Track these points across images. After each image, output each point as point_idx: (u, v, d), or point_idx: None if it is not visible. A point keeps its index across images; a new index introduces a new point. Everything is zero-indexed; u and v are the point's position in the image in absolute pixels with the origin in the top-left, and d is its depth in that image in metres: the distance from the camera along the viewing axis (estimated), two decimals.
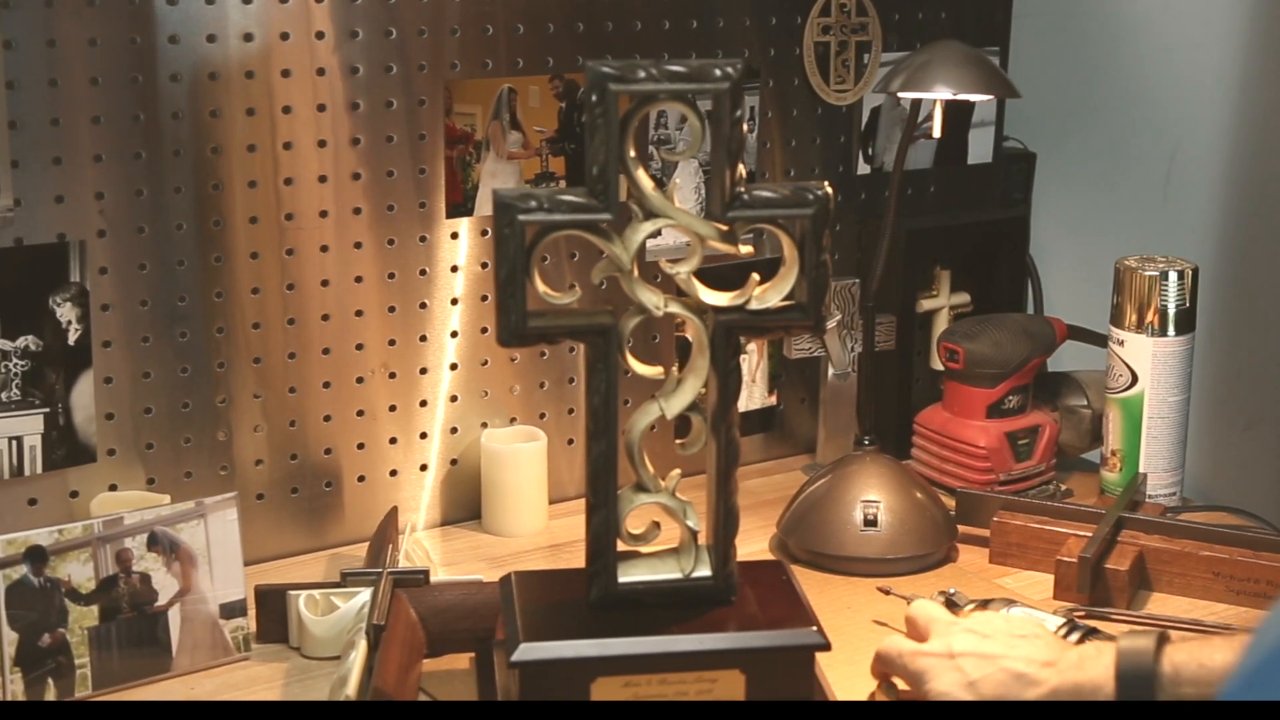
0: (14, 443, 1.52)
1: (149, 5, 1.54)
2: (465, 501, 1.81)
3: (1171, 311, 1.78)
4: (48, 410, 1.54)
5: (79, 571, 1.38)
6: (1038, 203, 2.17)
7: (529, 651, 1.29)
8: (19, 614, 1.35)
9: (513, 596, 1.37)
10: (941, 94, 1.71)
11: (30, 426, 1.53)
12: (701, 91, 1.28)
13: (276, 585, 1.51)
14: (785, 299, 1.33)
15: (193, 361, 1.62)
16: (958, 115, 2.02)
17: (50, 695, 1.37)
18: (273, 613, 1.50)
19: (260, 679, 1.45)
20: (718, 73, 1.28)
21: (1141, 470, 1.81)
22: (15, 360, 1.51)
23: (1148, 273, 1.78)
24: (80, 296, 1.54)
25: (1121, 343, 1.81)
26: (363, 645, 1.36)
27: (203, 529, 1.44)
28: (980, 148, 2.10)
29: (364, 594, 1.47)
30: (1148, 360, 1.79)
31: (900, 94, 1.76)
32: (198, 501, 1.45)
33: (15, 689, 1.36)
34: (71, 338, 1.54)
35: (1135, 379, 1.80)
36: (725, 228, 1.31)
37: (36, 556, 1.36)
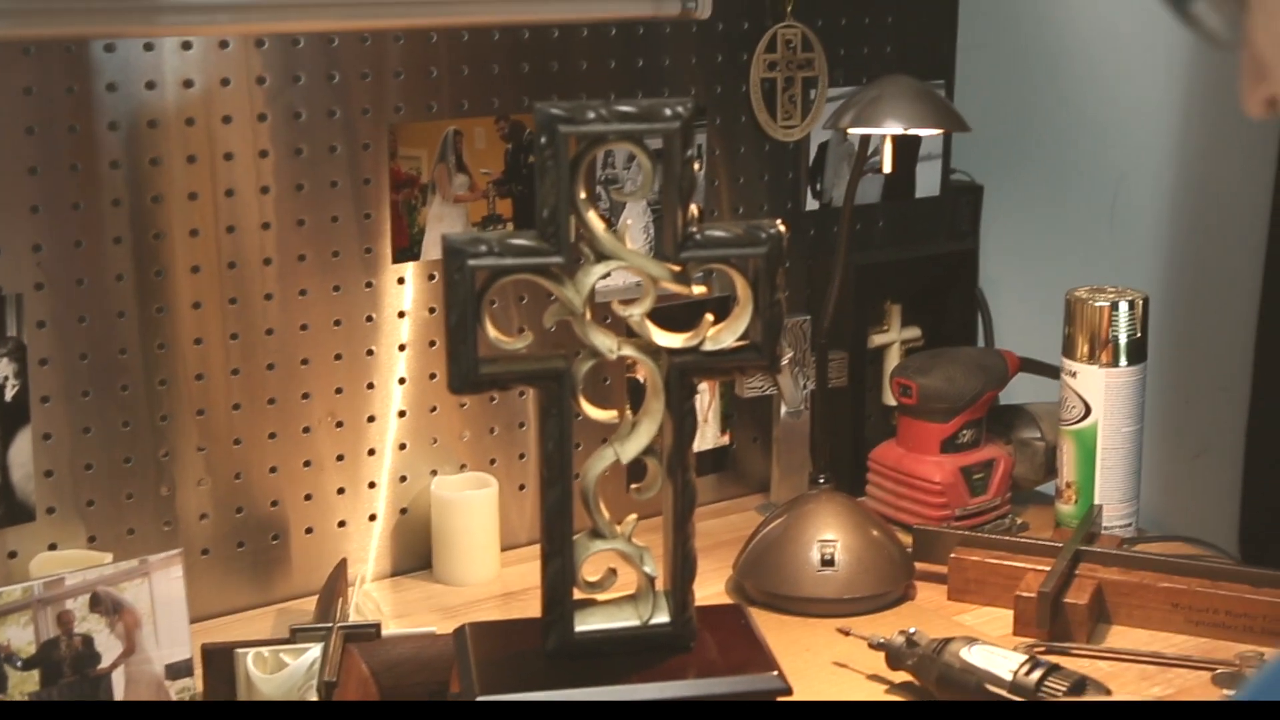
0: None
1: (86, 52, 1.51)
2: (416, 551, 1.78)
3: (1123, 342, 1.78)
4: None
5: (18, 635, 1.34)
6: (986, 235, 2.17)
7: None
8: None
9: (468, 648, 1.35)
10: (892, 129, 1.70)
11: None
12: (652, 131, 1.27)
13: (223, 643, 1.47)
14: (740, 339, 1.32)
15: (134, 415, 1.59)
16: (905, 149, 2.01)
17: None
18: (220, 672, 1.46)
19: None
20: (668, 112, 1.27)
21: (1097, 502, 1.80)
22: None
23: (1098, 304, 1.77)
24: (18, 351, 1.50)
25: (1074, 374, 1.80)
26: None
27: (147, 588, 1.41)
28: (928, 181, 2.10)
29: (314, 650, 1.44)
30: (1100, 391, 1.78)
31: (851, 130, 1.75)
32: (141, 560, 1.41)
33: None
34: (9, 394, 1.51)
35: (1089, 410, 1.79)
36: (678, 268, 1.29)
37: None
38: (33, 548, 1.54)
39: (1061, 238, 2.15)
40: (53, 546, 1.56)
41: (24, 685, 1.35)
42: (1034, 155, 2.17)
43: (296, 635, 1.46)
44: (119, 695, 1.39)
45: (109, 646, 1.39)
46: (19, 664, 1.34)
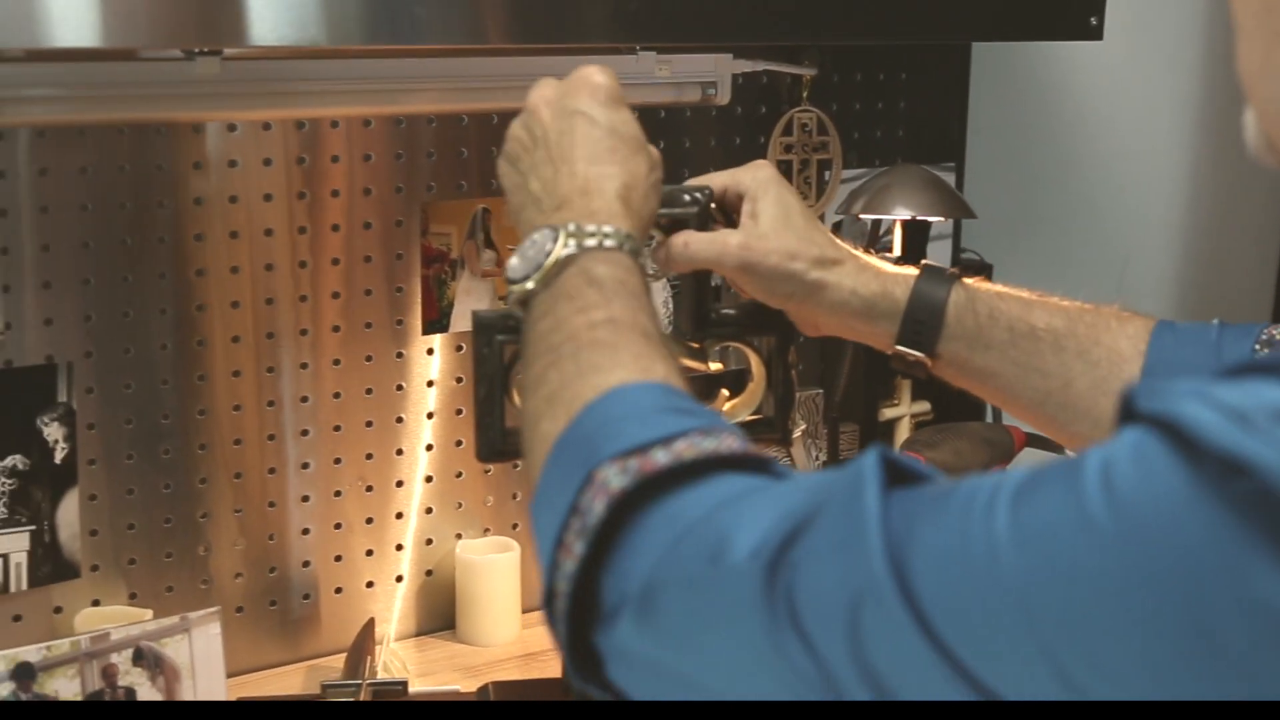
0: (0, 560, 1.55)
1: (138, 135, 1.59)
2: (440, 611, 1.84)
3: None
4: (34, 528, 1.57)
5: (65, 688, 1.41)
6: None
7: None
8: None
9: None
10: (901, 215, 1.77)
11: (16, 544, 1.56)
12: (672, 215, 1.33)
13: (258, 699, 1.53)
14: (754, 414, 1.38)
15: (175, 478, 1.66)
16: (916, 230, 2.08)
17: None
18: None
19: None
20: (687, 197, 1.33)
21: None
22: (3, 479, 1.54)
23: None
24: (67, 416, 1.58)
25: (1074, 451, 1.86)
26: None
27: (187, 644, 1.47)
28: (938, 260, 2.17)
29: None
30: None
31: (862, 215, 1.82)
32: (182, 616, 1.48)
33: None
34: (58, 456, 1.58)
35: None
36: (696, 346, 1.36)
37: (24, 674, 1.39)
38: (77, 603, 1.61)
39: None
40: (96, 602, 1.62)
41: None
42: (1041, 235, 2.24)
43: (327, 691, 1.53)
44: None
45: (150, 699, 1.45)
46: None
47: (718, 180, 1.22)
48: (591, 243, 0.91)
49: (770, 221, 1.16)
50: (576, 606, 0.74)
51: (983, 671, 0.59)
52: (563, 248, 0.91)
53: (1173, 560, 0.55)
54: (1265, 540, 0.53)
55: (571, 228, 0.92)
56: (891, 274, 1.17)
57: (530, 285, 0.91)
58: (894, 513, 0.64)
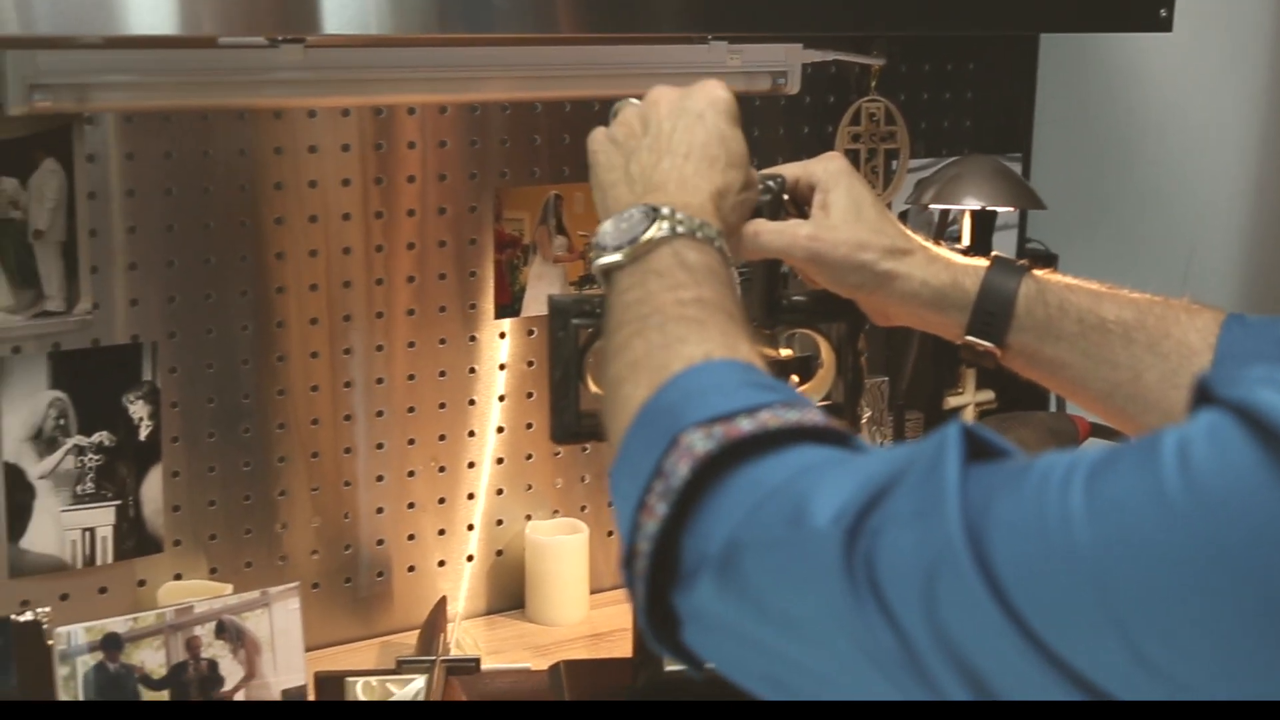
0: (87, 534, 1.60)
1: (220, 120, 1.63)
2: (509, 591, 1.88)
3: None
4: (119, 503, 1.61)
5: (151, 658, 1.45)
6: None
7: None
8: (95, 699, 1.42)
9: (563, 684, 1.44)
10: (971, 205, 1.79)
11: (102, 518, 1.61)
12: None
13: (335, 672, 1.57)
14: (823, 400, 1.40)
15: (254, 456, 1.70)
16: (982, 220, 2.09)
17: None
18: (332, 698, 1.56)
19: None
20: (759, 186, 1.36)
21: None
22: (90, 455, 1.59)
23: None
24: (151, 394, 1.62)
25: None
26: None
27: (267, 618, 1.51)
28: (1004, 250, 2.18)
29: (418, 681, 1.53)
30: None
31: (932, 205, 1.84)
32: (263, 591, 1.52)
33: None
34: (143, 434, 1.62)
35: None
36: (768, 333, 1.38)
37: (112, 644, 1.43)
38: (160, 577, 1.65)
39: None
40: (178, 576, 1.67)
41: None
42: (1107, 226, 2.24)
43: (402, 667, 1.56)
44: None
45: (232, 671, 1.49)
46: (152, 684, 1.45)
47: (790, 170, 1.24)
48: (684, 229, 0.94)
49: (841, 212, 1.18)
50: (656, 567, 0.76)
51: (1054, 641, 0.61)
52: (658, 229, 0.93)
53: (1245, 538, 0.56)
54: None
55: (666, 211, 0.94)
56: (961, 265, 1.18)
57: (619, 258, 0.93)
58: (972, 484, 0.65)
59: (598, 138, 1.08)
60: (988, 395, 2.15)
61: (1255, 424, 0.58)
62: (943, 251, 1.19)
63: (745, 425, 0.76)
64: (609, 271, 0.94)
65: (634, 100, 1.09)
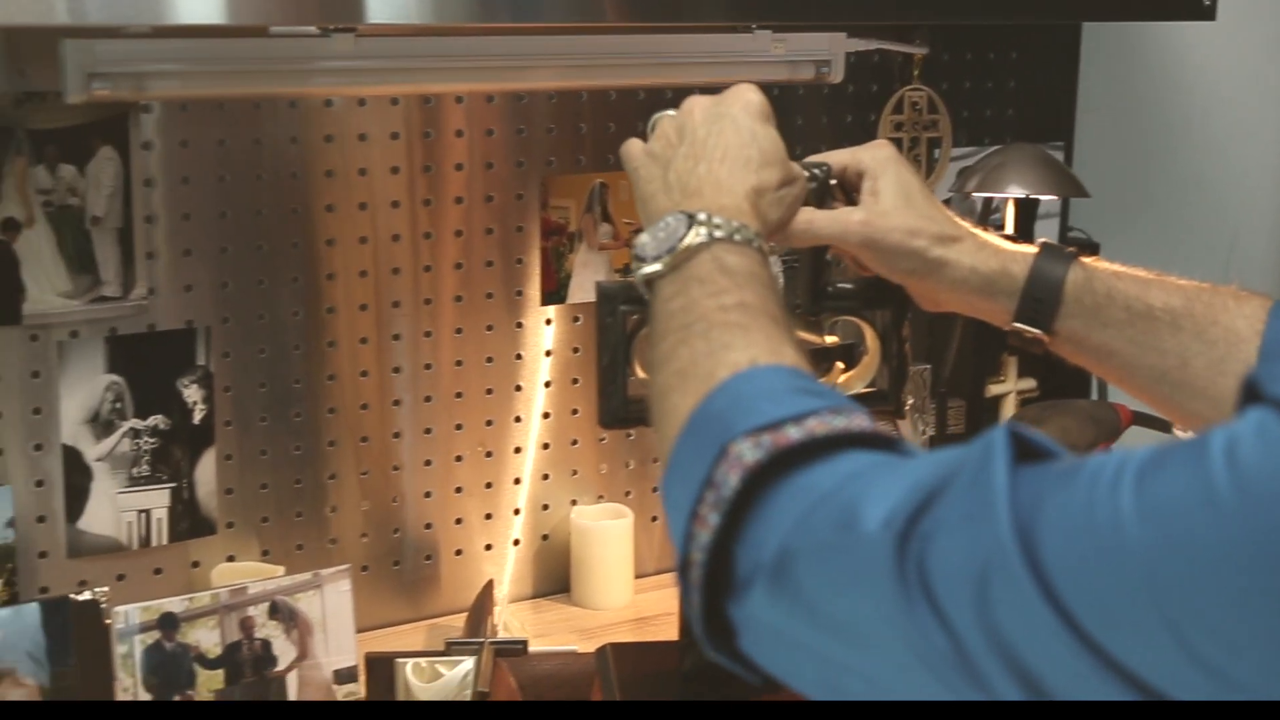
0: (143, 515, 1.63)
1: (272, 109, 1.65)
2: (555, 575, 1.90)
3: None
4: (174, 485, 1.64)
5: (206, 637, 1.48)
6: None
7: None
8: (152, 677, 1.45)
9: (609, 667, 1.45)
10: (1015, 194, 1.80)
11: (158, 500, 1.63)
12: None
13: (385, 653, 1.59)
14: (868, 386, 1.42)
15: (305, 440, 1.73)
16: (1024, 209, 2.10)
17: None
18: (381, 679, 1.58)
19: None
20: (806, 174, 1.37)
21: None
22: (146, 438, 1.62)
23: None
24: (205, 379, 1.65)
25: (1185, 430, 1.87)
26: None
27: (319, 599, 1.54)
28: (1046, 238, 2.18)
29: (467, 662, 1.55)
30: None
31: (976, 193, 1.85)
32: (314, 573, 1.54)
33: None
34: (196, 417, 1.65)
35: None
36: (812, 319, 1.40)
37: (168, 623, 1.46)
38: (213, 559, 1.68)
39: None
40: (230, 558, 1.69)
41: (211, 683, 1.48)
42: (1149, 215, 2.25)
43: (451, 648, 1.58)
44: (292, 696, 1.52)
45: (285, 651, 1.52)
46: (207, 663, 1.48)
47: (837, 158, 1.25)
48: (721, 233, 0.95)
49: (891, 199, 1.19)
50: (711, 577, 0.77)
51: (1107, 641, 0.61)
52: (695, 235, 0.95)
53: None
54: None
55: (703, 216, 0.96)
56: (1010, 251, 1.19)
57: (659, 267, 0.95)
58: (1022, 486, 0.66)
59: (635, 154, 1.10)
60: (1029, 383, 2.16)
61: None
62: (991, 238, 1.20)
63: (793, 433, 0.77)
64: (651, 281, 0.96)
65: (670, 112, 1.12)
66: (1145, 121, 2.24)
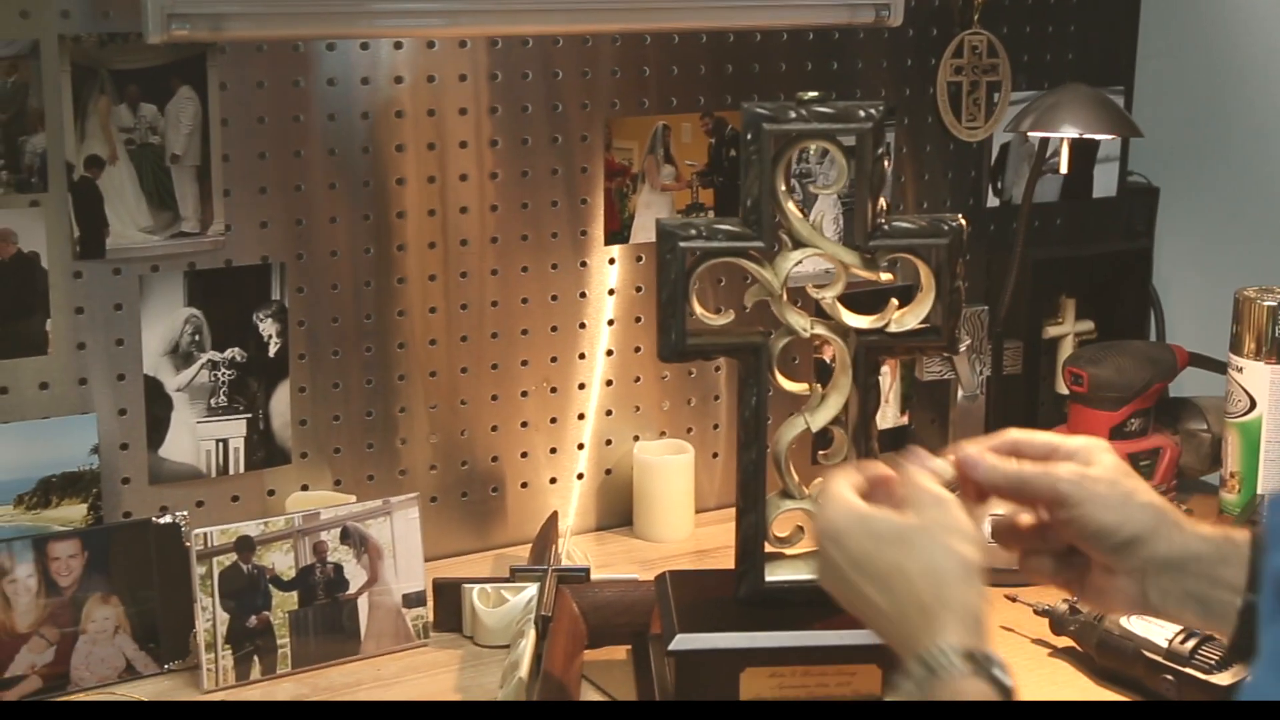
0: (220, 445, 1.69)
1: (343, 50, 1.69)
2: (618, 509, 1.95)
3: None
4: (250, 416, 1.70)
5: (281, 560, 1.54)
6: (1160, 235, 2.26)
7: (685, 642, 1.41)
8: (229, 597, 1.51)
9: (668, 593, 1.49)
10: (1068, 133, 1.81)
11: (234, 430, 1.69)
12: (846, 130, 1.41)
13: (452, 579, 1.65)
14: (921, 322, 1.45)
15: (376, 374, 1.78)
16: (1084, 152, 2.12)
17: (255, 673, 1.53)
18: (449, 604, 1.64)
19: (439, 664, 1.59)
20: (862, 114, 1.41)
21: (1260, 492, 1.88)
22: (223, 370, 1.68)
23: (1266, 303, 1.86)
24: (280, 313, 1.70)
25: (1240, 370, 1.89)
26: (531, 635, 1.49)
27: (388, 526, 1.59)
28: (1105, 182, 2.20)
29: (531, 589, 1.61)
30: (1265, 386, 1.87)
31: (1030, 133, 1.87)
32: (384, 500, 1.60)
33: (225, 665, 1.51)
34: (272, 350, 1.71)
35: (1254, 404, 1.88)
36: (868, 256, 1.43)
37: (245, 546, 1.52)
38: (288, 488, 1.74)
39: (1235, 240, 2.22)
40: (304, 487, 1.75)
41: (286, 604, 1.54)
42: (1210, 160, 2.25)
43: (516, 575, 1.64)
44: (363, 619, 1.58)
45: (356, 575, 1.58)
46: (282, 585, 1.54)
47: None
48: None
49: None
50: None
51: None
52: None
53: None
54: None
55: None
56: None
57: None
58: None
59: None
60: (1087, 325, 2.18)
61: None
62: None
63: None
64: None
65: None
66: (1207, 66, 2.24)
